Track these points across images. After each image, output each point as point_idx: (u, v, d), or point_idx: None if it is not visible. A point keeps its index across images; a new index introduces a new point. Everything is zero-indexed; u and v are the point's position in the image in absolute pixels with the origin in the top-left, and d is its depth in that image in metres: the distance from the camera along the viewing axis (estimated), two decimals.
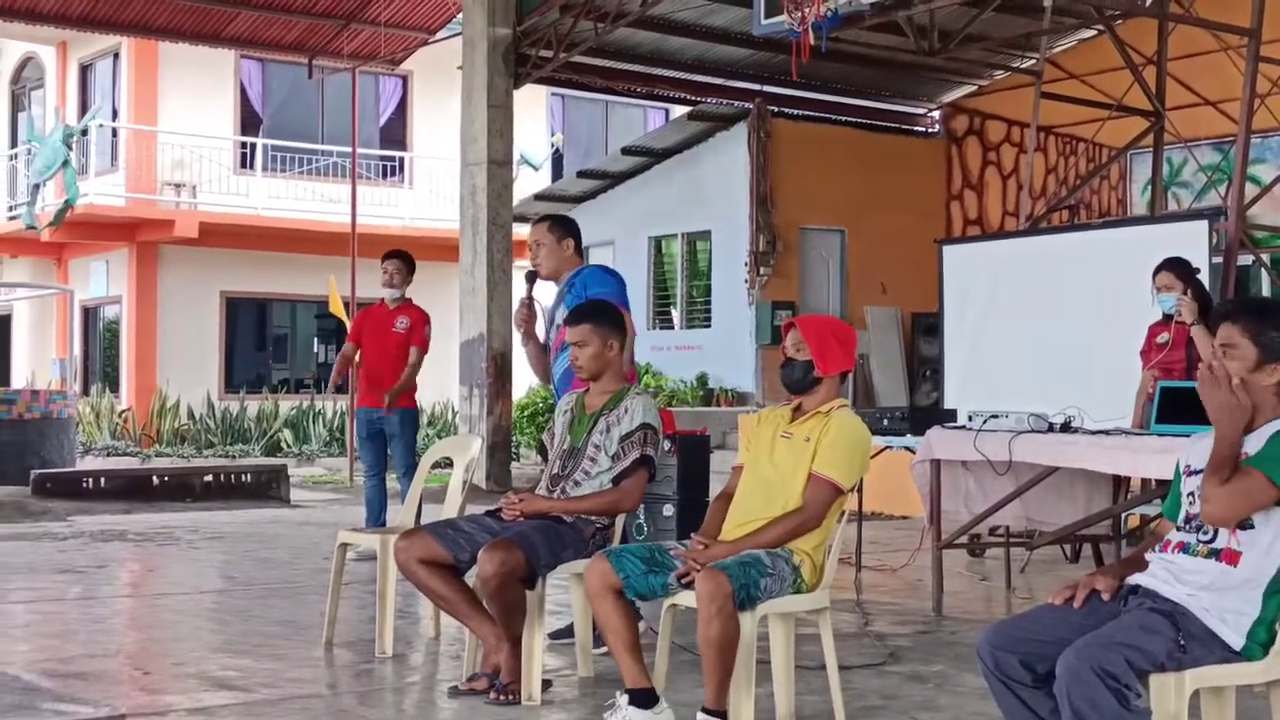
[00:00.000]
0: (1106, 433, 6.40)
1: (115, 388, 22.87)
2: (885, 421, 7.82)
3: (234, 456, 19.31)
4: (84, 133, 21.26)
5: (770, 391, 17.51)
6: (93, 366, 24.18)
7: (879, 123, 20.18)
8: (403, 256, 9.31)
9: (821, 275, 19.06)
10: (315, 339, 24.38)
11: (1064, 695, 3.30)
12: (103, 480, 13.44)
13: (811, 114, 19.40)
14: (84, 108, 23.16)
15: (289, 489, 13.94)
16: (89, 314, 24.10)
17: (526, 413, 19.16)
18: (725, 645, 4.21)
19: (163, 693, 5.28)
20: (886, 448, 7.81)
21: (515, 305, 14.73)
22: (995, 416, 6.73)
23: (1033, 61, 15.95)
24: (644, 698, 4.42)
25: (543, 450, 5.55)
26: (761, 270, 18.26)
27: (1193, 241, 9.14)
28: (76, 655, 5.92)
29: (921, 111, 20.65)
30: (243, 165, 23.10)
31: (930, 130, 20.74)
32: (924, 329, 18.25)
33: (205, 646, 6.28)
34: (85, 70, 24.03)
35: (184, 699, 5.11)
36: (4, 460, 12.84)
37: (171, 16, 16.18)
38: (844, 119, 19.77)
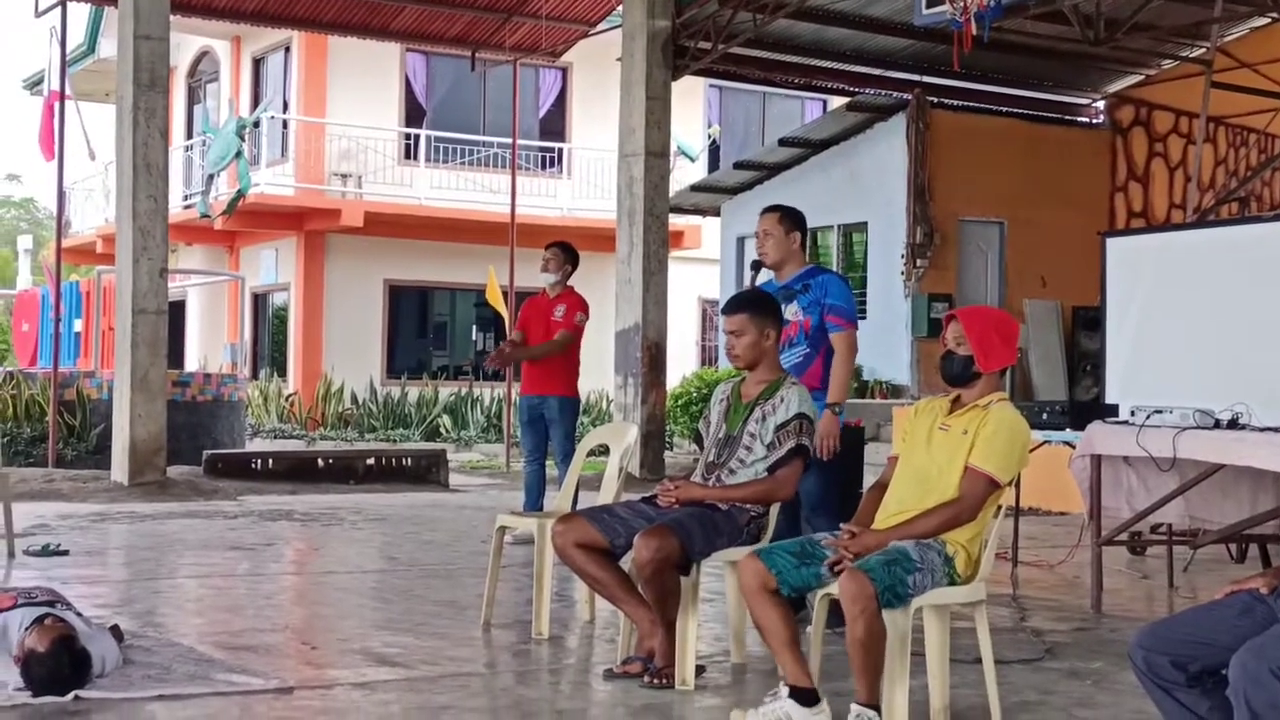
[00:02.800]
0: (1277, 430, 6.23)
1: (283, 372, 23.52)
2: (1044, 416, 7.72)
3: (395, 441, 19.73)
4: (256, 124, 21.85)
5: (926, 384, 17.34)
6: (262, 351, 24.89)
7: (1041, 113, 19.82)
8: (563, 246, 9.42)
9: (980, 268, 18.82)
10: (474, 327, 24.78)
11: (1240, 698, 3.23)
12: (271, 462, 13.85)
13: (971, 104, 19.15)
14: (256, 100, 23.85)
15: (448, 473, 14.21)
16: (259, 300, 24.82)
17: (680, 402, 19.25)
18: (871, 645, 4.22)
19: (328, 667, 5.45)
20: (1045, 442, 7.69)
21: (668, 293, 14.72)
22: (1159, 412, 6.60)
23: (1203, 50, 15.55)
24: (805, 696, 4.43)
25: (698, 439, 5.59)
26: (918, 262, 18.09)
27: None
28: (246, 629, 6.14)
29: (1085, 102, 20.23)
30: (407, 156, 23.57)
31: (1094, 121, 20.31)
32: (1085, 323, 17.87)
33: (368, 624, 6.46)
34: (258, 64, 24.74)
35: (348, 673, 5.27)
36: (178, 441, 13.28)
37: (340, 11, 16.56)
38: (1005, 109, 19.46)
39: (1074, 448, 7.26)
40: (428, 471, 14.07)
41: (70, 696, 4.63)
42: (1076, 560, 8.23)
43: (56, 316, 16.46)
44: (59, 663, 4.66)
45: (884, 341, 18.04)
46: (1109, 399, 10.31)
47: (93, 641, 4.92)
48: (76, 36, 23.61)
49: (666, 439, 16.12)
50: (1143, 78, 19.56)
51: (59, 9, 15.21)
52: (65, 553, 8.43)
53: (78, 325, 21.29)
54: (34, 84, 27.33)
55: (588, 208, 23.51)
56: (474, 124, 23.84)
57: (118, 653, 5.11)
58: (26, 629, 4.79)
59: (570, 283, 9.39)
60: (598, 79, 22.58)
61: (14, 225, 56.98)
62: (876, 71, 18.40)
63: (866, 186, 18.84)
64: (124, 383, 12.40)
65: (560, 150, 24.54)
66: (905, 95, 18.34)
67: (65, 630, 4.80)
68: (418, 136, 23.38)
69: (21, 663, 4.70)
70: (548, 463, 9.47)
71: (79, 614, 5.15)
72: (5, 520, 8.40)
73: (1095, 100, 20.15)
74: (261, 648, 5.70)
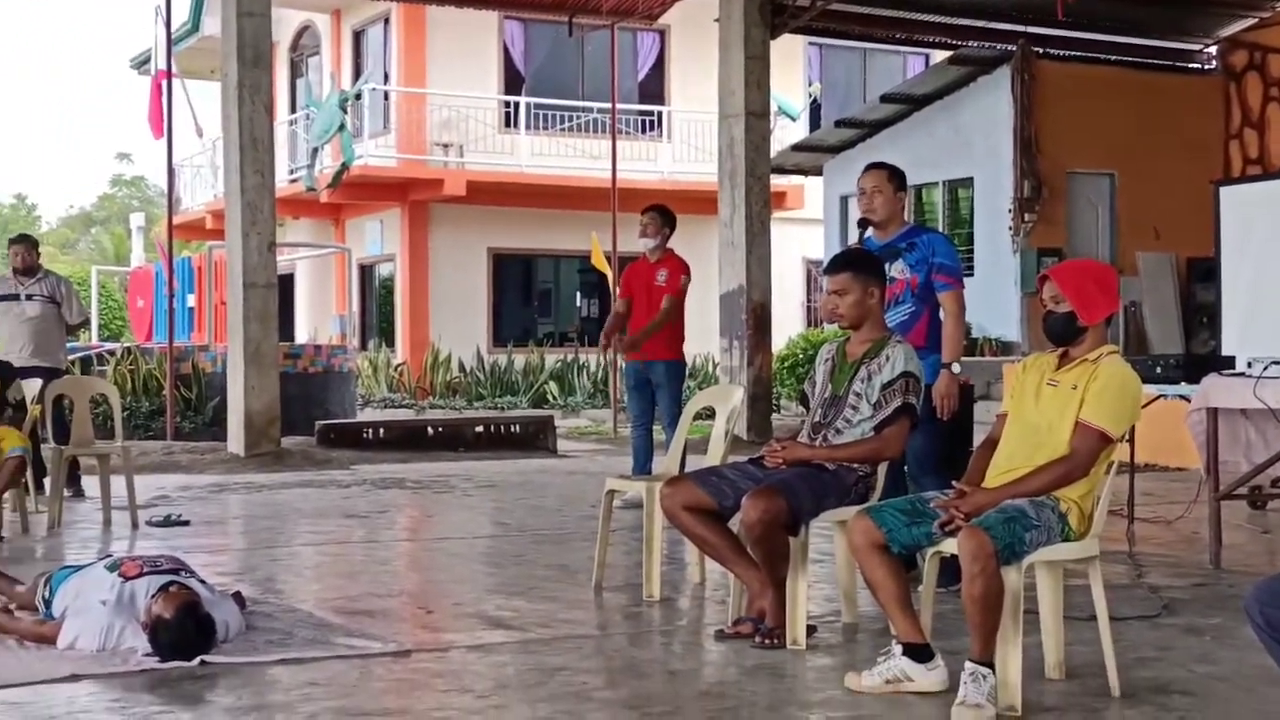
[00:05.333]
0: None
1: (391, 342, 23.82)
2: (1158, 369, 7.58)
3: (503, 408, 19.91)
4: (358, 97, 22.08)
5: (1035, 341, 17.09)
6: (370, 322, 25.22)
7: (1151, 60, 19.38)
8: (660, 209, 9.42)
9: (1090, 220, 18.49)
10: (578, 293, 24.88)
11: None
12: (381, 431, 14.06)
13: (1078, 54, 18.76)
14: (357, 73, 24.09)
15: (556, 440, 14.33)
16: (365, 271, 25.13)
17: (786, 364, 19.19)
18: (989, 602, 4.19)
19: (444, 630, 5.54)
20: (1160, 397, 7.56)
21: (771, 254, 14.65)
22: (1277, 363, 6.46)
23: None
24: (918, 652, 4.43)
25: (804, 400, 5.57)
26: (1026, 217, 17.82)
27: None
28: (363, 594, 6.25)
29: (1197, 48, 19.73)
30: (507, 124, 23.67)
31: (1206, 67, 19.80)
32: (1200, 274, 17.51)
33: (481, 588, 6.55)
34: (358, 36, 24.97)
35: (464, 636, 5.35)
36: (290, 412, 13.51)
37: None
38: (1113, 58, 19.05)
39: (1190, 401, 7.13)
40: (535, 438, 14.19)
41: (196, 661, 4.75)
42: (1194, 516, 8.08)
43: (170, 292, 16.82)
44: (185, 629, 4.79)
45: (992, 298, 17.80)
46: (1225, 351, 10.11)
47: (216, 608, 5.04)
48: (181, 15, 23.99)
49: (773, 401, 16.09)
50: (1256, 20, 19.01)
51: None
52: (186, 523, 8.64)
53: (191, 300, 21.73)
54: (141, 63, 27.87)
55: (688, 170, 23.45)
56: (573, 89, 23.87)
57: (240, 619, 5.23)
58: (153, 596, 4.93)
59: (671, 245, 9.40)
60: (696, 40, 22.46)
61: (126, 204, 58.22)
62: (979, 24, 18.08)
63: (971, 141, 18.58)
64: (237, 356, 12.64)
65: (660, 113, 24.50)
66: (1009, 47, 18.03)
67: (190, 597, 4.93)
68: (517, 104, 23.47)
69: (149, 629, 4.84)
70: (654, 427, 9.50)
71: (202, 581, 5.28)
72: (128, 492, 8.63)
73: (1207, 46, 19.64)
74: (378, 612, 5.81)
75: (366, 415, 18.02)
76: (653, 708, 4.35)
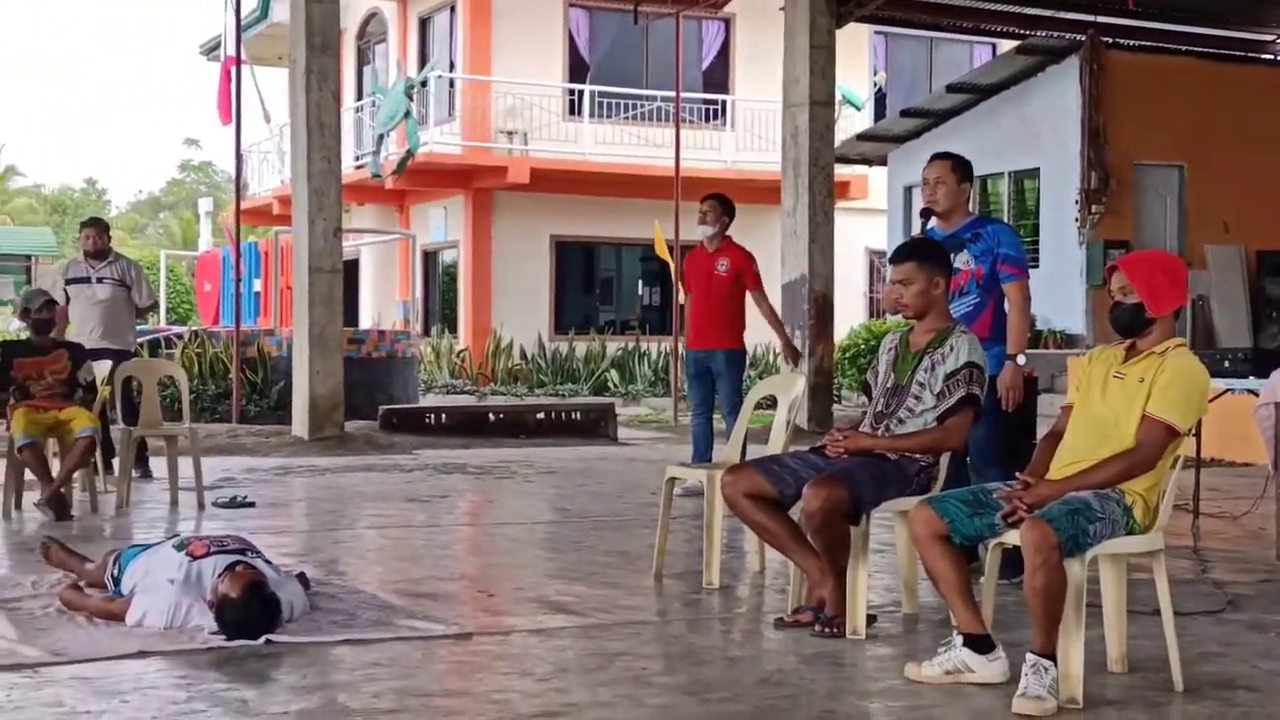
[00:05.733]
0: None
1: (453, 328, 23.95)
2: (1226, 363, 7.52)
3: (563, 395, 19.98)
4: (424, 84, 22.19)
5: (1101, 333, 16.93)
6: (433, 308, 25.38)
7: (1222, 51, 19.12)
8: (719, 197, 9.41)
9: (1158, 212, 18.29)
10: (640, 281, 24.91)
11: None
12: (443, 416, 14.15)
13: (1148, 44, 18.55)
14: (423, 60, 24.21)
15: (616, 427, 14.36)
16: (429, 258, 25.28)
17: (848, 354, 19.13)
18: (1052, 595, 4.17)
19: (505, 614, 5.58)
20: (1227, 391, 7.48)
21: (834, 244, 14.59)
22: None
23: None
24: (979, 643, 4.41)
25: (866, 390, 5.55)
26: (1093, 208, 17.65)
27: None
28: (425, 577, 6.30)
29: (1270, 38, 19.45)
30: (571, 112, 23.72)
31: (1279, 57, 19.52)
32: (1270, 268, 17.31)
33: (542, 573, 6.59)
34: (424, 24, 25.10)
35: (525, 620, 5.39)
36: (354, 396, 13.61)
37: None
38: (1183, 48, 18.82)
39: (1257, 396, 7.05)
40: (596, 425, 14.24)
41: (262, 640, 4.82)
42: (1260, 512, 8.00)
43: (237, 277, 17.01)
44: (251, 608, 4.86)
45: (1057, 290, 17.65)
46: None
47: (282, 588, 5.11)
48: (251, 2, 24.20)
49: (834, 391, 16.05)
50: None
51: None
52: (251, 504, 8.74)
53: (257, 285, 21.98)
54: (211, 50, 28.17)
55: (752, 160, 23.41)
56: (637, 78, 23.88)
57: (305, 599, 5.30)
58: (220, 575, 5.00)
59: (730, 234, 9.39)
60: (761, 29, 22.40)
61: (194, 189, 58.88)
62: (1047, 13, 17.92)
63: (1038, 131, 18.42)
64: (302, 340, 12.76)
65: (724, 102, 24.46)
66: (1078, 36, 17.85)
67: (256, 577, 4.99)
68: (582, 92, 23.50)
69: (215, 608, 4.91)
70: (714, 415, 9.51)
71: (268, 562, 5.35)
72: (195, 473, 8.75)
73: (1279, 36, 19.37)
74: (440, 595, 5.86)
75: (429, 401, 18.14)
76: (711, 694, 4.37)
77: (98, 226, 10.54)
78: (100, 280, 10.17)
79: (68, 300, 10.04)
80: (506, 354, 21.94)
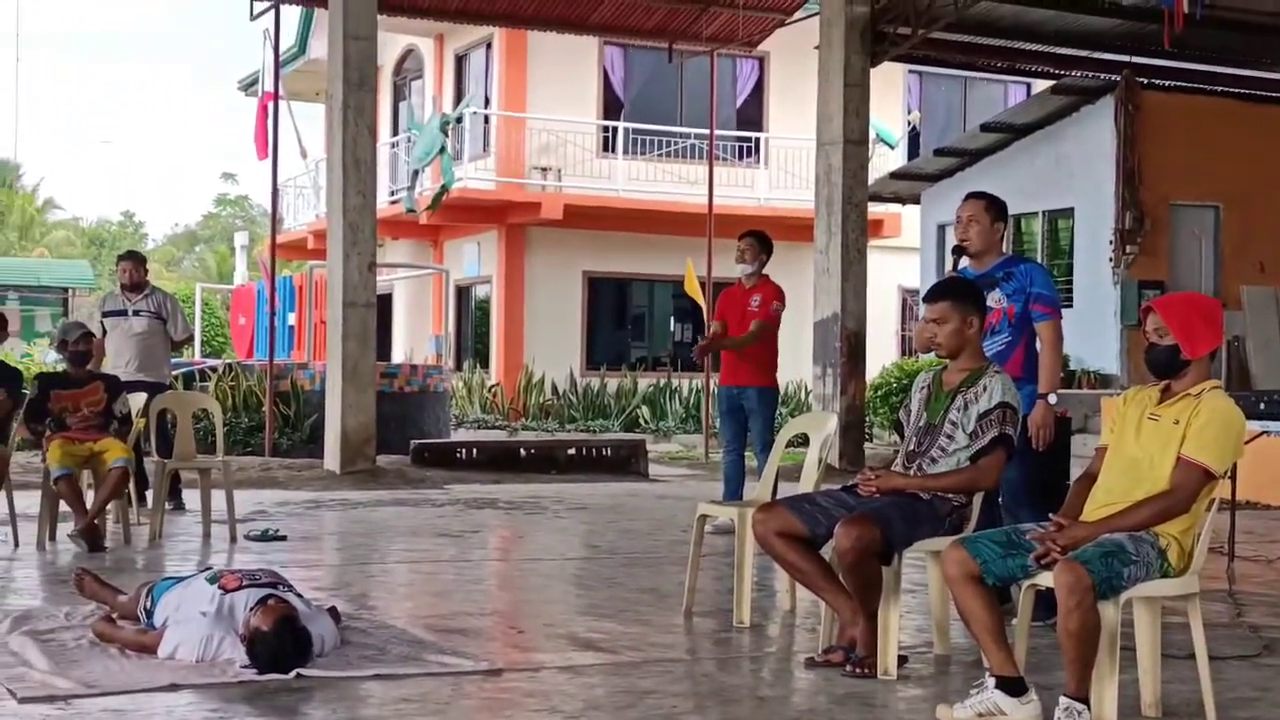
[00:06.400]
0: None
1: (485, 363, 24.00)
2: (1262, 405, 7.46)
3: (595, 431, 19.97)
4: (459, 120, 22.34)
5: (1135, 374, 16.85)
6: (465, 343, 25.44)
7: (1258, 92, 19.07)
8: (757, 235, 9.43)
9: (1193, 253, 18.21)
10: (672, 318, 24.91)
11: None
12: (475, 451, 14.17)
13: (1184, 85, 18.52)
14: (459, 96, 24.36)
15: (647, 464, 14.35)
16: (462, 293, 25.37)
17: (880, 392, 19.08)
18: (1085, 637, 4.14)
19: (535, 650, 5.57)
20: (1263, 433, 7.44)
21: (867, 283, 14.62)
22: None
23: None
24: (1012, 685, 4.38)
25: (898, 428, 5.54)
26: (1128, 248, 17.61)
27: None
28: (455, 612, 6.30)
29: None
30: (605, 148, 23.80)
31: None
32: None
33: (572, 609, 6.58)
34: (460, 61, 25.27)
35: (554, 657, 5.38)
36: (386, 430, 13.65)
37: (539, 6, 16.81)
38: (1219, 89, 18.78)
39: None
40: (627, 461, 14.23)
41: (293, 674, 4.82)
42: None
43: (271, 310, 17.11)
44: (282, 642, 4.87)
45: (1091, 330, 17.59)
46: None
47: (313, 622, 5.12)
48: (288, 38, 24.48)
49: (866, 430, 16.00)
50: None
51: (272, 11, 15.79)
52: (283, 538, 8.77)
53: (291, 318, 22.08)
54: (249, 85, 28.39)
55: (785, 197, 23.44)
56: (671, 115, 23.95)
57: (336, 633, 5.30)
58: (252, 609, 5.01)
59: (766, 272, 9.40)
60: (795, 67, 22.45)
61: (230, 223, 59.30)
62: (1082, 53, 17.93)
63: (1072, 171, 18.40)
64: (335, 374, 12.82)
65: (757, 140, 24.51)
66: (1113, 77, 17.84)
67: (288, 611, 5.00)
68: (616, 129, 23.59)
69: (247, 641, 4.92)
70: (746, 453, 9.50)
71: (299, 595, 5.36)
72: (228, 506, 8.78)
73: None
74: (470, 631, 5.85)
75: (460, 435, 18.16)
76: None
77: (135, 259, 10.63)
78: (136, 313, 10.25)
79: (104, 333, 10.12)
80: (538, 389, 21.96)
